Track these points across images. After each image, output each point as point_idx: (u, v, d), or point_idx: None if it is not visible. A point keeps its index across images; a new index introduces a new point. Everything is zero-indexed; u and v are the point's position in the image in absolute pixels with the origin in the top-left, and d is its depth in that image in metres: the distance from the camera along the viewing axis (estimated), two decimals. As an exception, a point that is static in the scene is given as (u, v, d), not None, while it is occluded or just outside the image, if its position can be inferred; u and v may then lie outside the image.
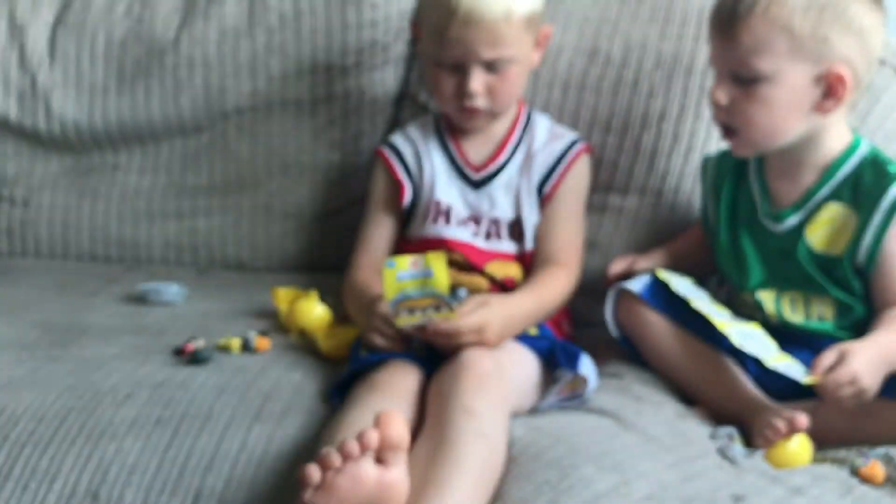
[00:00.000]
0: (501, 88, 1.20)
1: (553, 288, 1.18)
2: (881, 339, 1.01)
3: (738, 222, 1.18)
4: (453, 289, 1.20)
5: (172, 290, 1.32)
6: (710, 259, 1.23)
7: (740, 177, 1.18)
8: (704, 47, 1.32)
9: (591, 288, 1.35)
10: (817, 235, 1.09)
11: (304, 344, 1.19)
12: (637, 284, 1.15)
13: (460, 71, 1.20)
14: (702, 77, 1.34)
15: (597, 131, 1.37)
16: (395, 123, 1.48)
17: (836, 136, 1.10)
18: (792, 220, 1.11)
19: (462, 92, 1.20)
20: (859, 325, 1.09)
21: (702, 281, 1.21)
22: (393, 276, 1.05)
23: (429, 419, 0.96)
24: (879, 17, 1.06)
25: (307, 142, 1.47)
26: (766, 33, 1.01)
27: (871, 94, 1.28)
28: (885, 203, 1.05)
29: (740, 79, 1.05)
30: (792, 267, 1.11)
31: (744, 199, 1.17)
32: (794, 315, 1.12)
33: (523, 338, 1.12)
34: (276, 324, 1.25)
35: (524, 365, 1.09)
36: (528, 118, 1.31)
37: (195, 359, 1.09)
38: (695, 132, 1.34)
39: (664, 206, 1.35)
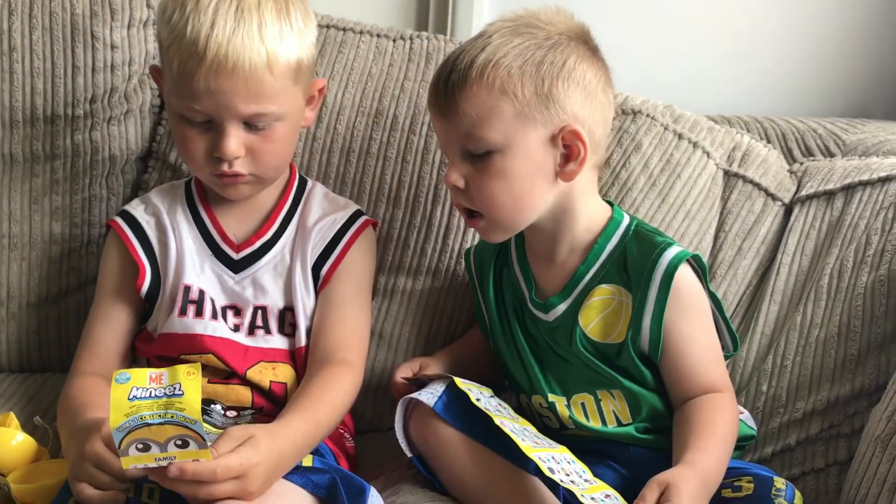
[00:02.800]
0: (266, 150, 0.98)
1: (332, 399, 0.95)
2: (698, 462, 0.89)
3: (509, 317, 1.06)
4: (207, 404, 0.95)
5: None
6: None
7: (503, 266, 1.08)
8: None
9: (378, 388, 1.17)
10: (591, 322, 1.00)
11: (-7, 490, 0.88)
12: (429, 395, 0.97)
13: (213, 129, 0.97)
14: (497, 146, 1.20)
15: (383, 204, 1.20)
16: (139, 188, 1.22)
17: (591, 211, 1.02)
18: (560, 307, 1.01)
19: (216, 154, 0.97)
20: (659, 422, 0.99)
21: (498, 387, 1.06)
22: (124, 393, 0.76)
23: None
24: (603, 71, 0.99)
25: (20, 209, 1.20)
26: (488, 100, 0.93)
27: (671, 169, 1.21)
28: (658, 277, 0.97)
29: (472, 156, 0.96)
30: (572, 362, 1.01)
31: (510, 290, 1.07)
32: (589, 420, 1.00)
33: (295, 472, 0.89)
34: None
35: (297, 516, 0.86)
36: (303, 187, 1.10)
37: None
38: (491, 207, 1.19)
39: (458, 290, 1.20)
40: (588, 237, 1.01)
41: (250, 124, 0.97)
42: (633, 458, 0.98)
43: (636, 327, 0.97)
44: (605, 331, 0.99)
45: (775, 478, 0.92)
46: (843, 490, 0.98)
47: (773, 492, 0.90)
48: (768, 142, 1.30)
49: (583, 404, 1.00)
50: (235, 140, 0.96)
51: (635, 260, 0.98)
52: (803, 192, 1.21)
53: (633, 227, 1.01)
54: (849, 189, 1.18)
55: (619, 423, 0.99)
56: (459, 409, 0.96)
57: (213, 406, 0.97)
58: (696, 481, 0.86)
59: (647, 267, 0.97)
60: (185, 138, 0.98)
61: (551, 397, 1.01)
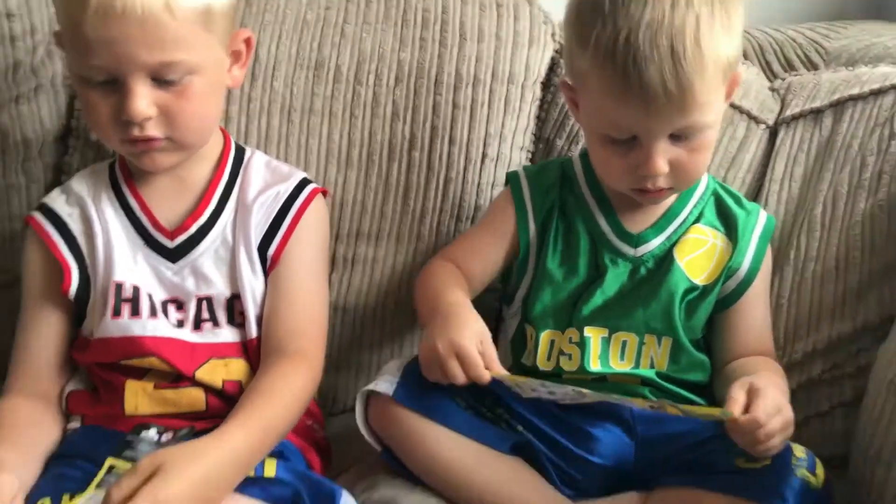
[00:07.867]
0: (182, 109, 0.86)
1: (285, 399, 0.86)
2: (768, 379, 0.85)
3: (573, 247, 0.98)
4: (137, 432, 0.87)
5: None
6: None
7: (569, 195, 1.00)
8: (451, 54, 1.10)
9: (346, 365, 1.09)
10: (689, 260, 0.97)
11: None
12: (386, 384, 0.88)
13: (118, 89, 0.85)
14: (452, 92, 1.10)
15: (333, 166, 1.10)
16: (62, 172, 1.11)
17: None
18: (654, 242, 0.97)
19: (124, 118, 0.85)
20: (684, 373, 0.95)
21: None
22: None
23: None
24: None
25: (-74, 207, 1.06)
26: (716, 86, 0.88)
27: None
28: (759, 228, 0.99)
29: (680, 137, 0.90)
30: (635, 301, 0.95)
31: (582, 223, 0.99)
32: (623, 360, 0.94)
33: (254, 485, 0.80)
34: None
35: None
36: (240, 157, 0.99)
37: None
38: (451, 161, 1.09)
39: (424, 254, 1.11)
40: None
41: (159, 79, 0.85)
42: (636, 421, 0.92)
43: (733, 268, 0.97)
44: (695, 270, 0.96)
45: (793, 445, 0.85)
46: (856, 437, 0.91)
47: (794, 461, 0.84)
48: (745, 58, 1.20)
49: (624, 342, 0.95)
50: (143, 99, 0.84)
51: (733, 209, 0.99)
52: (788, 112, 1.12)
53: (713, 181, 1.02)
54: (838, 105, 1.09)
55: (650, 369, 0.95)
56: (420, 393, 0.88)
57: (145, 433, 0.87)
58: (776, 387, 0.84)
59: (750, 219, 0.99)
60: (89, 102, 0.86)
61: (588, 331, 0.94)
